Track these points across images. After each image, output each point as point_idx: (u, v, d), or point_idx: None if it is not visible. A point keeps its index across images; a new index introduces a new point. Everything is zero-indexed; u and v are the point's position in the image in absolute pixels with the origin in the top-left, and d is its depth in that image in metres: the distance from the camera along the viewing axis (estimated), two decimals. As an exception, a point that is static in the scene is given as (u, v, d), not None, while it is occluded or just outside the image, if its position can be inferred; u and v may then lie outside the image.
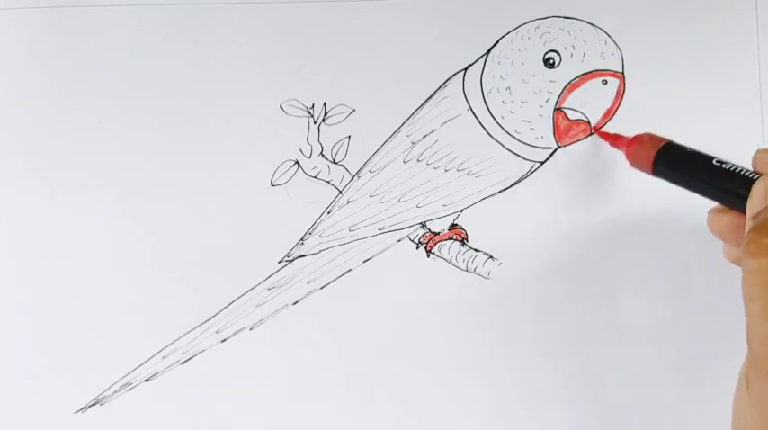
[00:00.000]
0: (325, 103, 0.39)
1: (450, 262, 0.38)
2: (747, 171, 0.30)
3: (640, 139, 0.34)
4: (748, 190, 0.29)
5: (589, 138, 0.38)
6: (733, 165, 0.30)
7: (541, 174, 0.38)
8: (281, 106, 0.39)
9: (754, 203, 0.28)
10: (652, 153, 0.33)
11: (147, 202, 0.38)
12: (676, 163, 0.33)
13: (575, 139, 0.38)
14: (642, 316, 0.38)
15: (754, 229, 0.27)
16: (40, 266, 0.38)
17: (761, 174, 0.29)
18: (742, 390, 0.27)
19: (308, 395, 0.38)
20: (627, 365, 0.38)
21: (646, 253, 0.38)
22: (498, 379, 0.38)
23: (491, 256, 0.38)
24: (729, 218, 0.31)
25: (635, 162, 0.35)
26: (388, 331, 0.38)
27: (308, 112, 0.39)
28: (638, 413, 0.37)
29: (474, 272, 0.38)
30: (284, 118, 0.39)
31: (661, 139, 0.34)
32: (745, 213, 0.29)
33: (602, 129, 0.38)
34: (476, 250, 0.38)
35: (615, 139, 0.37)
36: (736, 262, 0.32)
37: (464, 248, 0.38)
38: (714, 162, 0.31)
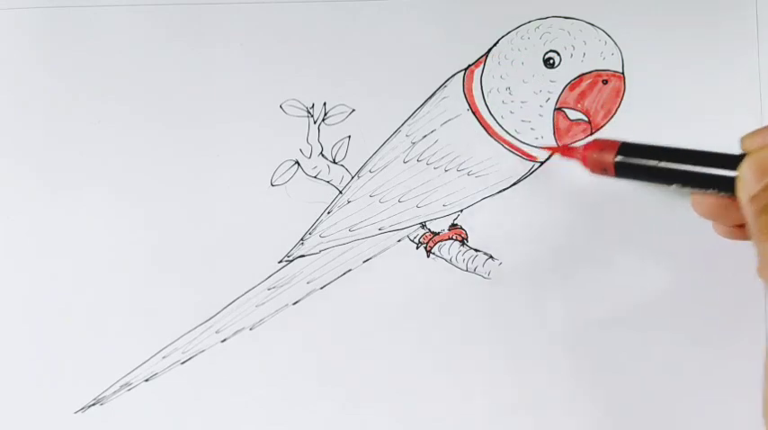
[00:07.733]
0: (325, 103, 0.39)
1: (450, 262, 0.38)
2: (722, 154, 0.29)
3: (594, 145, 0.33)
4: (731, 169, 0.28)
5: (588, 138, 0.38)
6: (703, 151, 0.30)
7: (541, 173, 0.38)
8: (281, 106, 0.39)
9: (747, 184, 0.27)
10: (610, 157, 0.32)
11: (147, 202, 0.38)
12: (639, 160, 0.32)
13: (575, 139, 0.38)
14: (643, 315, 0.38)
15: (762, 212, 0.26)
16: (40, 266, 0.38)
17: (741, 156, 0.28)
18: None
19: (308, 395, 0.38)
20: (627, 364, 0.38)
21: (646, 252, 0.38)
22: (498, 379, 0.38)
23: (491, 256, 0.38)
24: (714, 198, 0.30)
25: (594, 168, 0.34)
26: (388, 331, 0.38)
27: (308, 112, 0.39)
28: (640, 412, 0.37)
29: (474, 272, 0.38)
30: (284, 118, 0.39)
31: (614, 142, 0.33)
32: (727, 193, 0.28)
33: (598, 134, 0.38)
34: (476, 250, 0.38)
35: (567, 151, 0.36)
36: (727, 235, 0.32)
37: (464, 248, 0.38)
38: (681, 149, 0.30)
